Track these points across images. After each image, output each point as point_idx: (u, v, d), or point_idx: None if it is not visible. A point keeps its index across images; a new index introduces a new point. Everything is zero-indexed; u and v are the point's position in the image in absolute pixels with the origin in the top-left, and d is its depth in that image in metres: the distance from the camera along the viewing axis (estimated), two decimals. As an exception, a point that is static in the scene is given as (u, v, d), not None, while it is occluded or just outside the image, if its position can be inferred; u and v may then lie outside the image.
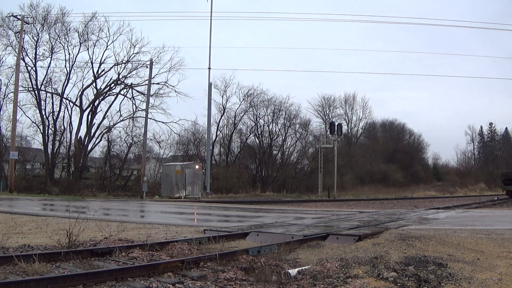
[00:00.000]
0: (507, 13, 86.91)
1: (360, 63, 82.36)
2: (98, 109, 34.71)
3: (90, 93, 34.79)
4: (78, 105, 34.17)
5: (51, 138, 33.45)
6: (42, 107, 32.92)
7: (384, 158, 55.99)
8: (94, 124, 34.39)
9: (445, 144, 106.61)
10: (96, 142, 35.13)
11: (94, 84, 34.57)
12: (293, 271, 4.57)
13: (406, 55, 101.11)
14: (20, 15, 29.73)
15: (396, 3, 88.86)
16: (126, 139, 35.34)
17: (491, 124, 72.82)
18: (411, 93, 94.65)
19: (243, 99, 44.56)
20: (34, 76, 32.72)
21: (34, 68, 32.77)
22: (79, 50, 33.55)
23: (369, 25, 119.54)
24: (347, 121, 59.08)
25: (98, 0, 73.60)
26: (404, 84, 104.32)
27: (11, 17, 30.08)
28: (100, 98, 34.54)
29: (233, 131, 45.37)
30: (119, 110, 34.78)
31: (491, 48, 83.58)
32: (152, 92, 33.49)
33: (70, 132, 34.37)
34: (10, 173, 28.52)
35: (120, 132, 35.70)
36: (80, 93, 34.21)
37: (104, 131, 34.84)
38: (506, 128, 71.77)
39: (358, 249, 5.99)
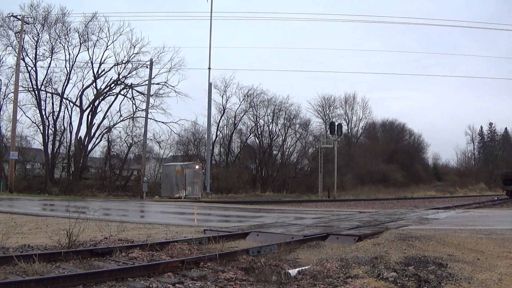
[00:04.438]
0: (504, 13, 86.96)
1: (359, 63, 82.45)
2: (98, 109, 34.79)
3: (90, 93, 34.86)
4: (78, 105, 34.22)
5: (51, 138, 33.47)
6: (42, 107, 32.98)
7: (384, 158, 56.01)
8: (94, 124, 34.45)
9: (445, 144, 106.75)
10: (96, 142, 35.20)
11: (94, 84, 34.63)
12: (293, 271, 4.57)
13: (404, 55, 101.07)
14: (20, 15, 29.77)
15: (393, 3, 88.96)
16: (126, 139, 35.40)
17: (491, 124, 72.97)
18: (411, 93, 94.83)
19: (243, 99, 44.66)
20: (34, 76, 32.78)
21: (34, 68, 32.82)
22: (79, 50, 33.61)
23: (367, 25, 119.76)
24: (347, 121, 59.17)
25: (98, 1, 73.64)
26: (404, 84, 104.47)
27: (11, 17, 30.13)
28: (100, 98, 34.54)
29: (233, 131, 45.44)
30: (119, 110, 34.85)
31: (489, 48, 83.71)
32: (152, 92, 33.55)
33: (70, 132, 34.42)
34: (10, 173, 28.52)
35: (120, 132, 35.77)
36: (80, 93, 34.27)
37: (104, 131, 34.88)
38: (506, 128, 71.89)
39: (358, 249, 5.99)
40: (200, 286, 4.05)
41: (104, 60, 34.12)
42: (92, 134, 34.31)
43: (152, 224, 9.55)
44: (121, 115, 34.73)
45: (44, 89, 33.10)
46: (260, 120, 46.48)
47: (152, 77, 32.92)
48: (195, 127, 42.08)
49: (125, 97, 34.96)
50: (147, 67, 33.06)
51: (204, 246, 6.20)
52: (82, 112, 33.93)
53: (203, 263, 4.87)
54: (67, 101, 34.02)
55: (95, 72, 34.24)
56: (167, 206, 18.78)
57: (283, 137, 48.07)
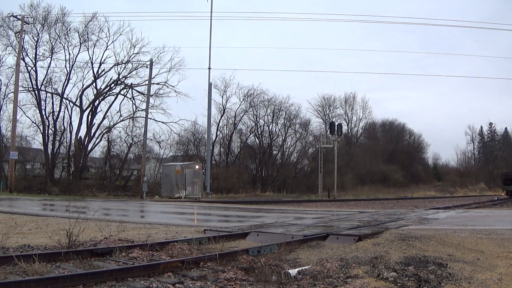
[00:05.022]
0: (504, 13, 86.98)
1: (359, 63, 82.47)
2: (98, 109, 34.77)
3: (90, 93, 34.85)
4: (78, 105, 34.21)
5: (51, 138, 33.47)
6: (42, 107, 32.98)
7: (384, 158, 56.01)
8: (94, 124, 34.44)
9: (445, 144, 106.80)
10: (96, 142, 35.20)
11: (94, 84, 34.62)
12: (293, 271, 4.57)
13: (404, 55, 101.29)
14: (20, 15, 29.75)
15: (394, 3, 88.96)
16: (126, 139, 35.39)
17: (491, 124, 73.06)
18: (411, 93, 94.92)
19: (243, 99, 44.64)
20: (34, 76, 32.77)
21: (34, 68, 32.81)
22: (79, 50, 33.60)
23: (367, 25, 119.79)
24: (347, 121, 59.20)
25: (98, 1, 73.62)
26: (404, 84, 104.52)
27: (11, 17, 30.12)
28: (100, 98, 34.54)
29: (233, 131, 45.42)
30: (119, 110, 34.84)
31: (489, 48, 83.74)
32: (152, 92, 33.54)
33: (70, 132, 34.42)
34: (10, 173, 28.52)
35: (120, 132, 35.75)
36: (80, 93, 34.27)
37: (104, 131, 34.88)
38: (506, 128, 71.97)
39: (358, 249, 5.99)
40: (200, 286, 4.05)
41: (104, 60, 34.18)
42: (92, 134, 34.34)
43: (152, 224, 9.55)
44: (121, 115, 34.78)
45: (44, 89, 33.15)
46: (260, 120, 46.55)
47: (152, 77, 32.96)
48: (195, 127, 42.13)
49: (125, 97, 35.02)
50: (147, 67, 33.09)
51: (204, 246, 6.20)
52: (82, 112, 33.93)
53: (203, 263, 4.87)
54: (67, 101, 34.08)
55: (95, 72, 34.29)
56: (167, 206, 18.78)
57: (283, 137, 48.12)
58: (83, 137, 34.41)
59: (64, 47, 33.35)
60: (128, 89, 34.82)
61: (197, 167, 29.06)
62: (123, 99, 35.04)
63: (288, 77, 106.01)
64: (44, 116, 32.83)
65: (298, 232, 7.31)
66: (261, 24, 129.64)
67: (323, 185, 37.37)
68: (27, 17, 30.57)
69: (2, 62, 32.74)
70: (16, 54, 30.44)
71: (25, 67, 32.17)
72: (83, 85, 34.21)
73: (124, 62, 34.14)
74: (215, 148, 44.08)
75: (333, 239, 6.73)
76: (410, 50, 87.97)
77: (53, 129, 33.45)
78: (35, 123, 33.05)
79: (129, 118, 34.90)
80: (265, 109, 46.30)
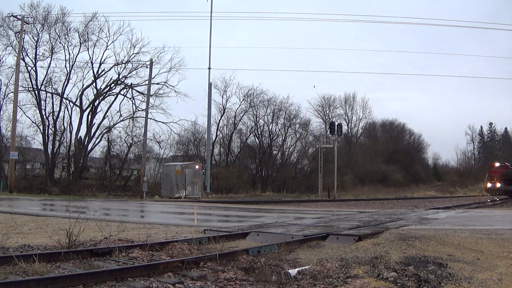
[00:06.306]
0: (502, 13, 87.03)
1: (359, 63, 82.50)
2: (98, 109, 34.81)
3: (90, 93, 34.90)
4: (78, 105, 34.24)
5: (51, 138, 33.48)
6: (42, 107, 33.00)
7: (384, 158, 56.03)
8: (94, 124, 34.47)
9: (445, 144, 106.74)
10: (96, 142, 35.22)
11: (94, 84, 34.65)
12: (293, 271, 4.57)
13: (403, 55, 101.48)
14: (20, 15, 29.76)
15: (392, 3, 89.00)
16: (126, 139, 35.43)
17: (491, 124, 73.18)
18: (411, 93, 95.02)
19: (243, 99, 44.69)
20: (34, 76, 32.81)
21: (34, 68, 32.84)
22: (79, 50, 33.66)
23: (367, 25, 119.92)
24: (347, 121, 59.28)
25: (98, 1, 73.69)
26: (404, 84, 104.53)
27: (11, 17, 30.15)
28: (100, 98, 34.55)
29: (233, 131, 45.43)
30: (119, 110, 34.88)
31: (488, 48, 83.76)
32: (152, 92, 33.55)
33: (70, 132, 34.45)
34: (10, 173, 28.52)
35: (120, 132, 35.79)
36: (80, 93, 34.30)
37: (104, 131, 34.89)
38: (506, 128, 72.07)
39: (358, 249, 5.99)
40: (200, 286, 4.05)
41: (104, 60, 34.22)
42: (92, 134, 34.36)
43: (152, 224, 9.55)
44: (121, 115, 34.82)
45: (44, 89, 33.18)
46: (260, 120, 46.59)
47: (152, 77, 32.96)
48: (195, 127, 42.15)
49: (125, 97, 35.06)
50: (147, 67, 33.09)
51: (204, 246, 6.20)
52: (82, 112, 33.95)
53: (203, 263, 4.87)
54: (67, 101, 34.11)
55: (95, 72, 34.33)
56: (167, 206, 18.77)
57: (283, 137, 48.16)
58: (83, 137, 34.46)
59: (64, 47, 33.45)
60: (128, 89, 34.87)
61: (197, 167, 29.07)
62: (123, 99, 35.15)
63: (288, 77, 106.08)
64: (44, 116, 32.87)
65: (298, 232, 7.31)
66: (260, 24, 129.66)
67: (323, 185, 37.37)
68: (27, 17, 30.59)
69: (2, 62, 32.84)
70: (16, 54, 30.45)
71: (25, 67, 32.26)
72: (83, 85, 34.31)
73: (124, 62, 34.22)
74: (215, 148, 44.14)
75: (333, 239, 6.73)
76: (409, 50, 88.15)
77: (53, 129, 33.49)
78: (35, 123, 33.14)
79: (129, 118, 34.99)
80: (265, 109, 46.44)
